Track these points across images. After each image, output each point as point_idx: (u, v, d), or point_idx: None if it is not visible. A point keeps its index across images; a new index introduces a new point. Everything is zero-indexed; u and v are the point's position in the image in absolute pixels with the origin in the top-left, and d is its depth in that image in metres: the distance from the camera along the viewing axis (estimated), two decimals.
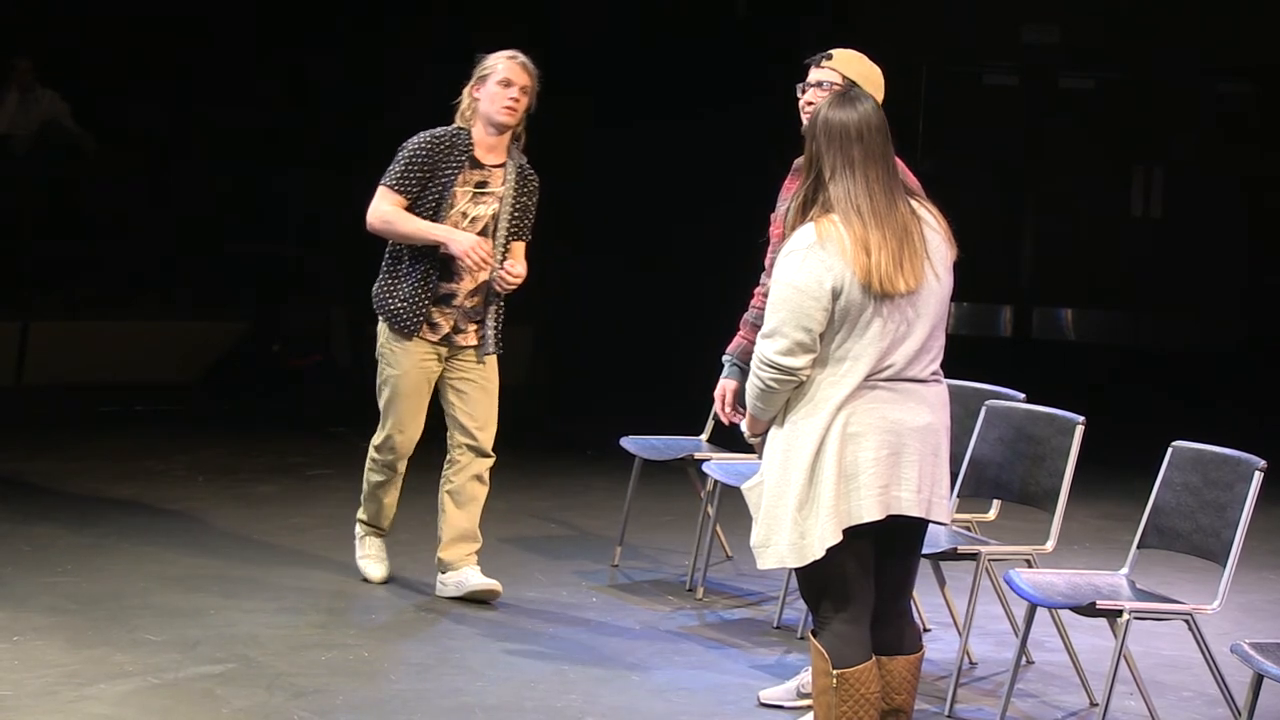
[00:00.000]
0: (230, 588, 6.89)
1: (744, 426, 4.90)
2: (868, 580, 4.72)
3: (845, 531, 4.59)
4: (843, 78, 5.57)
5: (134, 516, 8.03)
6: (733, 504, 7.62)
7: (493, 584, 6.83)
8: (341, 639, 6.30)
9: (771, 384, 4.62)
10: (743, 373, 5.89)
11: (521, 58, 6.74)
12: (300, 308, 12.48)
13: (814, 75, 5.63)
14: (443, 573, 6.90)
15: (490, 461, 6.85)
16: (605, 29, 14.34)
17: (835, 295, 4.55)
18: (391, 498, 7.01)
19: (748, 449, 7.15)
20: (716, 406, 5.95)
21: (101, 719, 5.39)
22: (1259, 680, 4.95)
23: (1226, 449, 5.54)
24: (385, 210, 6.64)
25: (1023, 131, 15.53)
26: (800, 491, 4.59)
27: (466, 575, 6.83)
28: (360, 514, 7.10)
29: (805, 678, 5.77)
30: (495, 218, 6.77)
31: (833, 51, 5.64)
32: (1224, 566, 5.41)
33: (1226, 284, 15.16)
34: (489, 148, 6.76)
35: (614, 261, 13.47)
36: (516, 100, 6.69)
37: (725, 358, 5.92)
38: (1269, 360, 14.06)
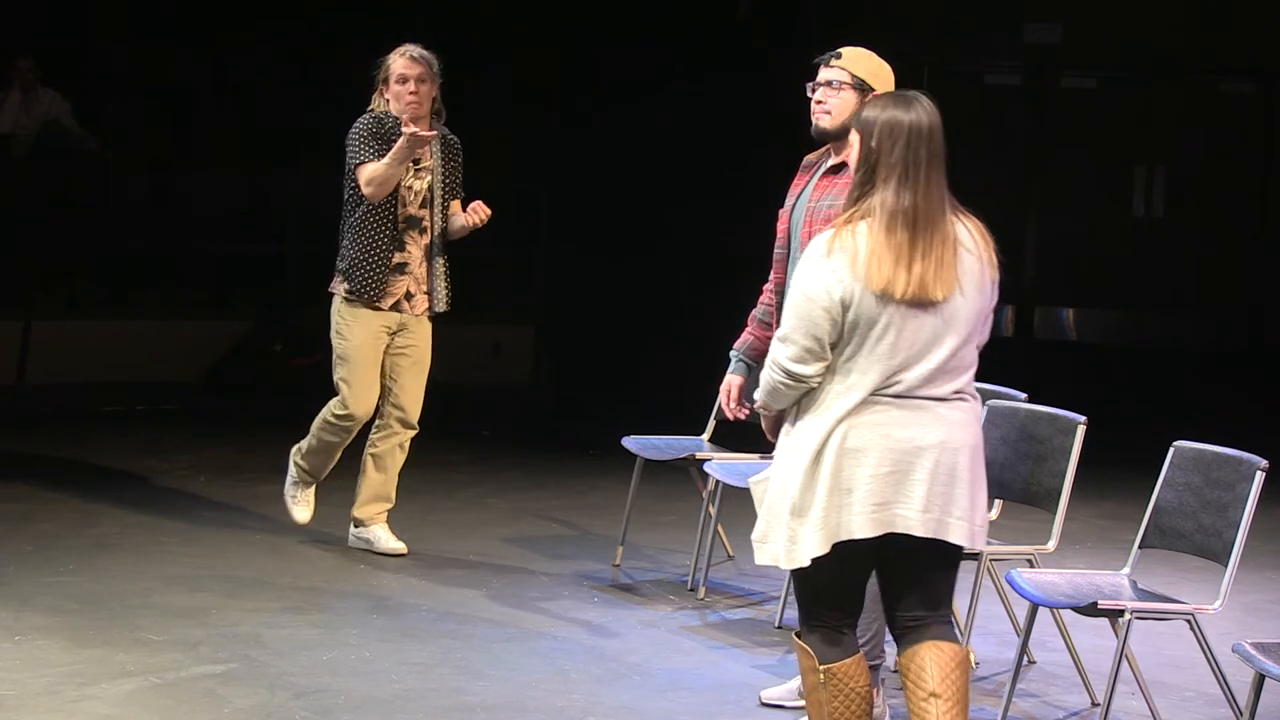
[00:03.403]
0: (232, 587, 6.89)
1: (759, 406, 4.79)
2: (858, 591, 4.69)
3: (836, 544, 4.52)
4: (852, 76, 5.55)
5: (135, 516, 8.03)
6: (734, 504, 7.62)
7: (399, 546, 7.44)
8: (343, 639, 6.30)
9: (781, 386, 4.57)
10: (749, 368, 5.89)
11: (413, 50, 7.25)
12: (301, 307, 12.49)
13: (823, 74, 5.60)
14: (355, 528, 7.50)
15: (414, 433, 7.45)
16: (604, 28, 14.36)
17: (845, 307, 4.46)
18: (337, 456, 7.51)
19: (749, 449, 7.17)
20: (721, 400, 5.93)
21: (103, 719, 5.39)
22: (1260, 680, 4.94)
23: (1228, 449, 5.53)
24: (367, 173, 7.14)
25: (1025, 131, 15.53)
26: (795, 497, 4.54)
27: (376, 534, 7.46)
28: (299, 460, 7.53)
29: None
30: (430, 188, 7.33)
31: (841, 50, 5.61)
32: (1226, 566, 5.40)
33: (1227, 284, 15.17)
34: None
35: (615, 261, 13.47)
36: (416, 92, 7.20)
37: (732, 353, 5.91)
38: (1269, 360, 14.06)
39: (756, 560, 4.70)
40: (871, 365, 4.49)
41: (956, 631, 4.71)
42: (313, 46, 14.00)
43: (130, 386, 11.43)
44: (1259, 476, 5.37)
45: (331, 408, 7.39)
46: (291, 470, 7.57)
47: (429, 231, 7.31)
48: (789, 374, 4.53)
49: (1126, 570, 5.78)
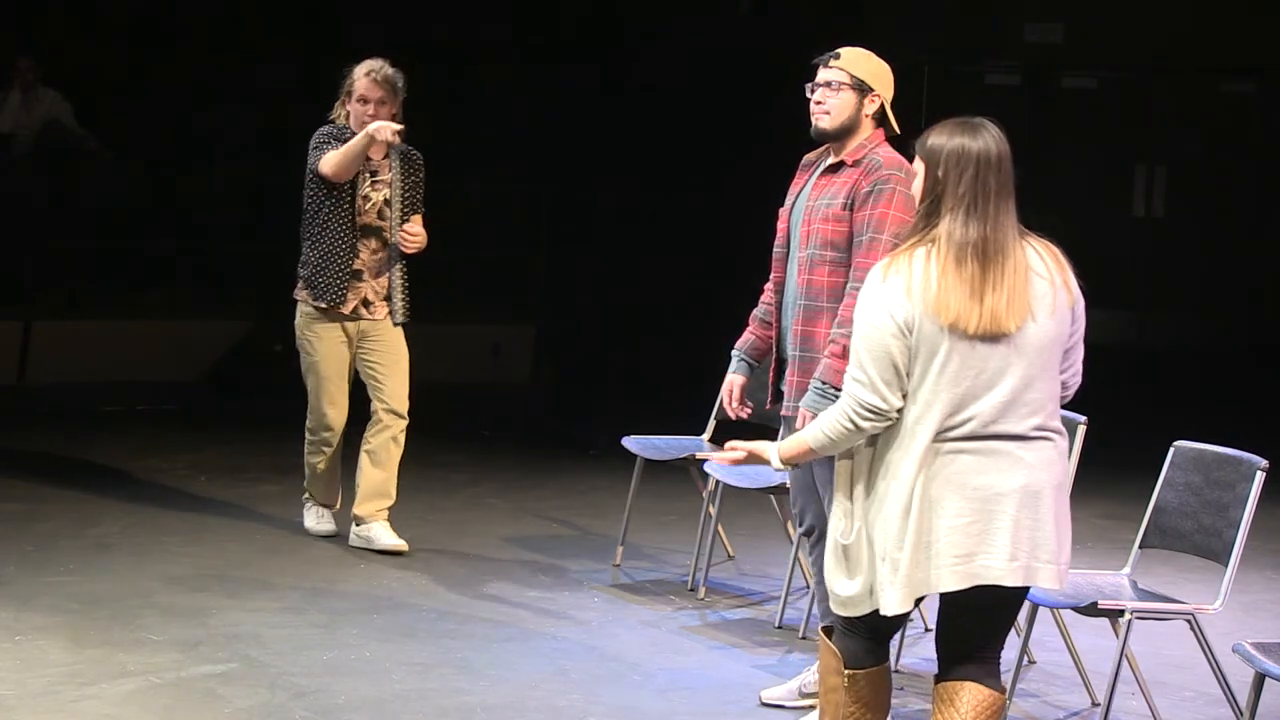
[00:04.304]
0: (232, 587, 6.90)
1: (774, 455, 4.59)
2: (907, 618, 4.61)
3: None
4: (851, 77, 5.55)
5: (136, 516, 8.04)
6: (734, 504, 7.64)
7: (400, 543, 7.46)
8: (344, 638, 6.30)
9: (861, 424, 4.36)
10: (750, 368, 5.88)
11: (381, 72, 7.32)
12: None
13: (822, 75, 5.60)
14: (356, 525, 7.53)
15: (405, 423, 7.50)
16: (604, 25, 14.36)
17: (908, 329, 4.30)
18: (333, 474, 7.68)
19: None
20: (724, 400, 5.92)
21: (104, 718, 5.39)
22: (1260, 680, 4.95)
23: (1228, 449, 5.54)
24: (327, 157, 7.25)
25: (1024, 131, 15.52)
26: (888, 552, 4.38)
27: (376, 532, 7.49)
28: (306, 497, 7.75)
29: (807, 677, 5.77)
30: (388, 201, 7.40)
31: (840, 50, 5.60)
32: (1226, 566, 5.41)
33: (1227, 284, 15.17)
34: None
35: (616, 261, 13.47)
36: (374, 115, 7.27)
37: (733, 352, 5.91)
38: (1269, 360, 14.06)
39: (834, 609, 4.57)
40: (936, 394, 4.31)
41: (1000, 671, 4.56)
42: (313, 44, 13.99)
43: (130, 386, 11.43)
44: (1259, 476, 5.38)
45: (306, 425, 7.62)
46: (306, 500, 7.80)
47: (386, 242, 7.42)
48: (871, 409, 4.34)
49: (1126, 570, 5.78)
